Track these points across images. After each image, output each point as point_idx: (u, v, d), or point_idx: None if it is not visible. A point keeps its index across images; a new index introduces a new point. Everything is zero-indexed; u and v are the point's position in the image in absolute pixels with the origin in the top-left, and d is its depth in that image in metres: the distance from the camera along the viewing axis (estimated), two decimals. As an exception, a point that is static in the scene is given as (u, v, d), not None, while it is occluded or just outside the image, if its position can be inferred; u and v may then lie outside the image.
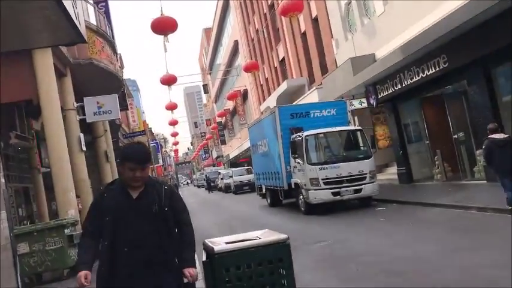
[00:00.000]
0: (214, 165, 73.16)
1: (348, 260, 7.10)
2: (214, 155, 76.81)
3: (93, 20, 13.28)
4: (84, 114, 12.39)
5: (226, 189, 36.73)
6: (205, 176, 55.82)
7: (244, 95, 43.78)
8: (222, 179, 39.75)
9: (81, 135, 12.11)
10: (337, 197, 12.87)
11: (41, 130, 13.30)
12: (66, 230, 9.31)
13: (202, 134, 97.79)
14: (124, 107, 22.61)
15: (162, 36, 17.64)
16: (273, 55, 31.70)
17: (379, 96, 16.31)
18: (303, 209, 13.79)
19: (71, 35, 6.10)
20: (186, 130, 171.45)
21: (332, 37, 20.73)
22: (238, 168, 37.73)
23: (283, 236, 3.45)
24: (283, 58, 29.29)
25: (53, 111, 10.41)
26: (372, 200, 13.66)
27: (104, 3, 17.84)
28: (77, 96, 12.53)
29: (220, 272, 3.28)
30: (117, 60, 15.49)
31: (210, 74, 64.19)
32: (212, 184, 47.19)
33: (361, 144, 13.80)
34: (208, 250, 3.44)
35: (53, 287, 8.75)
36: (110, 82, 14.30)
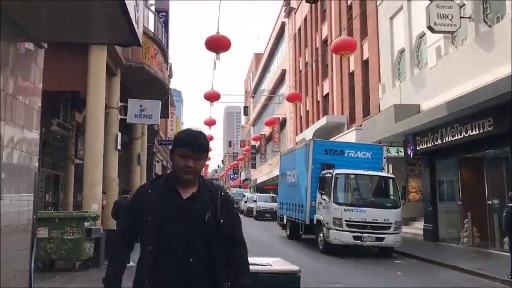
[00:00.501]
0: (240, 187, 73.22)
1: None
2: (243, 176, 76.91)
3: (151, 27, 13.75)
4: (125, 115, 12.71)
5: (248, 213, 36.60)
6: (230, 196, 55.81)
7: (282, 123, 43.93)
8: (245, 201, 39.70)
9: (119, 134, 12.41)
10: (358, 242, 12.62)
11: (81, 123, 13.72)
12: (86, 223, 9.49)
13: (235, 154, 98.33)
14: (165, 114, 23.07)
15: (214, 54, 18.07)
16: (318, 89, 31.81)
17: (418, 148, 16.04)
18: (321, 247, 13.57)
19: (128, 36, 6.33)
20: (219, 148, 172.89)
21: (379, 81, 20.67)
22: (263, 194, 37.62)
23: (294, 268, 3.41)
24: (327, 94, 29.34)
25: (97, 107, 10.74)
26: (393, 251, 13.32)
27: (164, 13, 18.44)
28: (122, 96, 12.89)
29: (226, 293, 3.25)
30: (167, 69, 15.91)
31: (253, 97, 64.87)
32: (235, 205, 47.11)
33: (391, 192, 13.55)
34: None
35: (64, 277, 8.84)
36: (156, 88, 14.66)
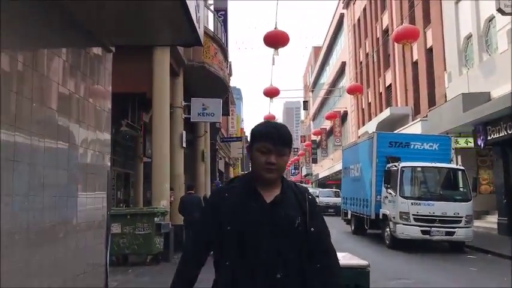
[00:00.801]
0: (302, 182, 73.02)
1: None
2: (304, 172, 76.65)
3: (211, 27, 14.00)
4: (189, 113, 13.05)
5: (311, 208, 36.29)
6: (292, 191, 55.77)
7: (343, 117, 43.26)
8: (308, 197, 39.45)
9: (184, 132, 12.77)
10: (426, 236, 12.22)
11: (148, 123, 14.26)
12: (156, 218, 9.86)
13: (295, 150, 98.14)
14: (226, 112, 23.44)
15: (272, 50, 18.11)
16: (380, 80, 31.00)
17: (489, 138, 15.24)
18: (387, 242, 13.27)
19: (190, 37, 6.50)
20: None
21: (445, 69, 19.82)
22: (326, 189, 37.34)
23: (363, 262, 3.37)
24: (390, 85, 28.53)
25: (163, 106, 11.11)
26: (464, 246, 12.78)
27: (223, 12, 18.70)
28: (185, 95, 13.24)
29: None
30: (227, 68, 16.16)
31: (312, 91, 64.35)
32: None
33: (461, 185, 13.00)
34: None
35: (137, 271, 9.24)
36: (217, 87, 14.93)
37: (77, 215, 5.37)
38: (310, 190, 36.05)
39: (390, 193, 12.96)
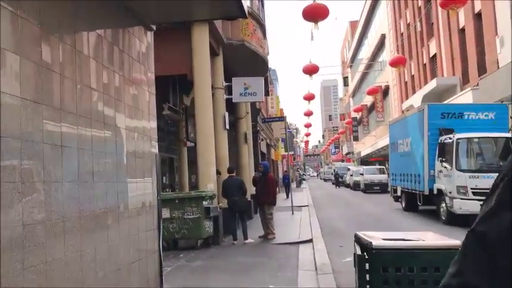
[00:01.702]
0: (343, 161, 72.04)
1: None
2: (345, 150, 75.53)
3: (248, 3, 13.52)
4: (230, 94, 12.73)
5: (355, 186, 35.82)
6: (334, 170, 55.17)
7: (385, 92, 41.99)
8: (351, 175, 38.91)
9: (226, 114, 12.47)
10: (487, 211, 11.52)
11: (190, 106, 14.06)
12: (204, 202, 9.67)
13: (335, 128, 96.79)
14: (265, 92, 23.04)
15: (311, 24, 17.48)
16: (423, 51, 29.71)
17: (549, 104, 14.22)
18: (443, 218, 12.66)
19: (233, 8, 6.14)
20: (318, 123, 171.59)
21: (496, 35, 18.63)
22: (370, 167, 36.50)
23: (455, 242, 2.95)
24: (435, 55, 27.26)
25: (204, 88, 10.83)
26: (527, 219, 12.01)
27: (258, -12, 18.15)
28: (225, 76, 12.92)
29: (377, 271, 2.90)
30: (266, 45, 15.71)
31: (350, 67, 62.87)
32: (340, 180, 46.51)
33: (522, 155, 12.15)
34: (364, 243, 3.07)
35: (188, 255, 9.10)
36: (256, 65, 14.53)
37: (127, 201, 5.18)
38: (354, 168, 35.62)
39: (445, 167, 12.30)
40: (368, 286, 2.95)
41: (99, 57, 4.68)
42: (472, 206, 11.58)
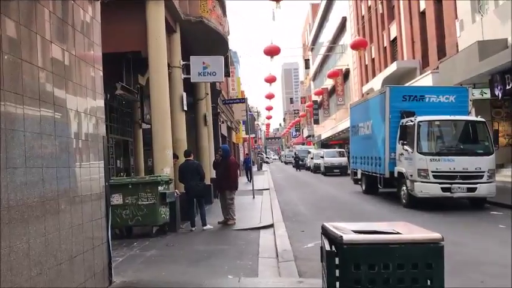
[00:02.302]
0: (304, 144, 72.40)
1: (469, 269, 6.05)
2: (305, 133, 75.96)
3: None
4: (188, 74, 12.12)
5: (316, 169, 35.97)
6: (295, 153, 55.30)
7: (346, 75, 42.13)
8: (312, 158, 39.03)
9: (184, 94, 11.88)
10: (447, 194, 11.55)
11: (145, 86, 13.36)
12: (160, 187, 9.15)
13: (296, 112, 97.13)
14: (226, 73, 22.43)
15: (273, 3, 17.00)
16: (384, 34, 29.79)
17: (507, 87, 14.38)
18: (404, 201, 12.63)
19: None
20: (279, 106, 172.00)
21: (456, 18, 18.73)
22: (330, 150, 36.70)
23: (435, 235, 2.62)
24: (395, 38, 27.37)
25: (160, 66, 10.19)
26: (485, 202, 12.15)
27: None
28: (183, 55, 12.29)
29: (348, 268, 2.53)
30: (226, 23, 15.12)
31: (311, 50, 62.81)
32: (301, 163, 46.63)
33: (482, 138, 12.23)
34: (333, 237, 2.69)
35: (143, 243, 8.59)
36: (216, 44, 13.94)
37: (69, 188, 4.63)
38: (314, 151, 35.65)
39: (406, 150, 12.22)
40: (338, 284, 2.58)
41: (35, 27, 4.08)
42: (433, 189, 11.59)
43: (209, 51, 13.06)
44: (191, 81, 12.16)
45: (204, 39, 13.37)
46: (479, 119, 12.42)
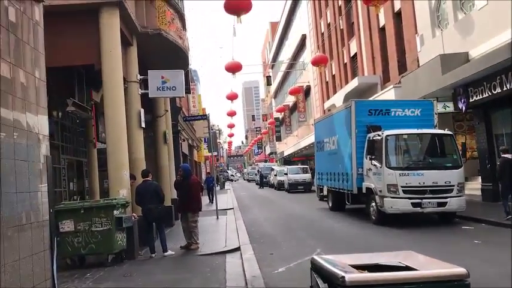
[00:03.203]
0: (266, 161, 72.09)
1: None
2: (268, 151, 75.71)
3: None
4: (146, 89, 11.42)
5: (280, 186, 35.51)
6: (258, 170, 54.76)
7: (307, 92, 42.18)
8: (275, 175, 38.59)
9: (142, 110, 11.15)
10: (418, 209, 11.24)
11: (100, 103, 12.53)
12: (115, 211, 8.37)
13: (257, 129, 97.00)
14: (187, 90, 21.78)
15: (234, 19, 16.54)
16: (344, 51, 29.95)
17: (470, 100, 14.40)
18: (373, 217, 12.25)
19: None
20: (241, 124, 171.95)
21: (416, 33, 18.87)
22: (294, 166, 36.37)
23: (459, 271, 2.09)
24: (355, 54, 27.50)
25: (115, 80, 9.46)
26: (454, 216, 11.93)
27: (177, -22, 16.90)
28: (141, 69, 11.60)
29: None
30: (186, 37, 14.52)
31: (272, 67, 62.97)
32: (264, 180, 46.10)
33: (450, 151, 12.06)
34: (331, 277, 2.11)
35: (97, 274, 7.75)
36: (176, 58, 13.30)
37: (0, 219, 3.88)
38: (277, 168, 35.16)
39: (375, 165, 11.88)
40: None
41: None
42: (403, 205, 11.27)
43: (169, 66, 12.38)
44: (149, 96, 11.45)
45: (163, 53, 12.72)
46: (446, 132, 12.27)
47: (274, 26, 64.08)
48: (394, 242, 9.44)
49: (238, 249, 9.64)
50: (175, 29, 12.43)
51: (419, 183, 11.23)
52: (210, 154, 20.41)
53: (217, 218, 15.80)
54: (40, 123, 4.91)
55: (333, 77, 32.85)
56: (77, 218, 8.31)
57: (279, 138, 59.03)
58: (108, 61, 9.43)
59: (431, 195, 11.20)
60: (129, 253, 8.88)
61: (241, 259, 8.70)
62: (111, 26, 9.44)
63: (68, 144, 12.42)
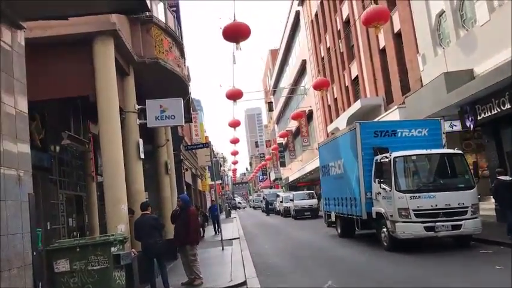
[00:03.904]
0: (271, 188, 71.43)
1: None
2: (272, 177, 75.13)
3: (162, 17, 12.12)
4: (145, 119, 11.11)
5: (286, 213, 34.89)
6: (263, 197, 54.10)
7: (309, 116, 41.93)
8: (281, 202, 37.99)
9: (140, 140, 10.80)
10: (431, 233, 10.70)
11: (98, 135, 12.21)
12: (113, 248, 7.88)
13: (261, 155, 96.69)
14: (188, 119, 21.50)
15: (233, 47, 16.36)
16: (345, 74, 29.78)
17: (478, 118, 13.98)
18: (385, 244, 11.70)
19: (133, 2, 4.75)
20: (244, 151, 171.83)
21: (418, 52, 18.62)
22: (299, 192, 35.80)
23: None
24: (357, 77, 27.29)
25: (111, 110, 9.14)
26: (470, 239, 11.37)
27: (175, 8, 16.83)
28: (139, 99, 11.31)
29: None
30: (184, 65, 14.29)
31: (274, 93, 63.03)
32: (270, 207, 45.45)
33: (461, 171, 11.60)
34: None
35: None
36: (175, 87, 13.06)
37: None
38: (283, 194, 34.56)
39: (384, 188, 11.41)
40: None
41: None
42: (416, 229, 10.74)
43: (168, 95, 12.08)
44: (148, 126, 11.12)
45: (161, 82, 12.48)
46: (456, 151, 11.83)
47: (274, 53, 64.47)
48: (410, 272, 8.89)
49: (244, 283, 9.13)
50: (173, 58, 12.20)
51: (432, 205, 10.73)
52: (214, 182, 19.91)
53: (223, 249, 15.26)
54: (21, 157, 4.54)
55: (335, 100, 32.61)
56: (72, 256, 7.83)
57: (283, 164, 58.55)
58: (104, 92, 9.14)
59: (444, 218, 10.68)
60: (129, 292, 8.37)
61: (247, 295, 8.20)
62: (105, 55, 9.19)
63: (66, 178, 12.03)
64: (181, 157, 20.91)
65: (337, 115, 30.98)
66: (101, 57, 9.16)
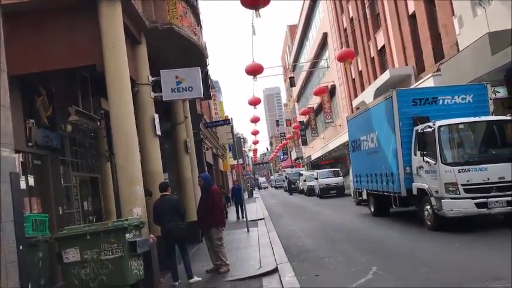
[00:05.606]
0: (293, 167, 70.40)
1: None
2: (294, 156, 74.02)
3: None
4: (160, 92, 10.10)
5: (310, 192, 33.92)
6: (286, 177, 53.22)
7: (331, 92, 40.49)
8: (304, 180, 37.04)
9: (156, 115, 9.81)
10: (483, 210, 9.50)
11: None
12: (127, 235, 6.95)
13: (282, 135, 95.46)
14: (207, 96, 20.48)
15: (252, 17, 15.17)
16: (370, 44, 28.23)
17: (528, 82, 12.61)
18: (429, 222, 10.57)
19: None
20: (264, 131, 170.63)
21: (453, 14, 17.12)
22: (324, 170, 34.69)
23: None
24: (383, 46, 25.76)
25: (121, 81, 8.11)
26: (526, 216, 10.15)
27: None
28: (152, 70, 10.28)
29: None
30: (201, 34, 13.17)
31: (293, 70, 61.44)
32: (293, 186, 44.58)
33: (514, 140, 10.33)
34: None
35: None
36: (192, 57, 12.00)
37: None
38: (306, 173, 33.44)
39: (427, 161, 10.23)
40: None
41: None
42: (466, 206, 9.56)
43: (184, 65, 11.01)
44: (163, 99, 10.10)
45: (177, 51, 11.42)
46: (509, 118, 10.54)
47: (292, 29, 62.64)
48: (466, 255, 7.78)
49: (275, 270, 8.15)
50: (188, 24, 11.09)
51: (483, 179, 9.52)
52: (235, 162, 18.97)
53: (248, 230, 14.36)
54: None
55: (360, 73, 31.14)
56: (83, 245, 6.94)
57: (305, 142, 57.37)
58: (112, 60, 8.10)
59: (498, 193, 9.47)
60: (148, 283, 7.47)
61: (280, 284, 7.23)
62: (112, 18, 8.11)
63: (79, 159, 11.17)
64: (202, 136, 19.95)
65: (363, 89, 29.56)
66: (106, 20, 8.08)
